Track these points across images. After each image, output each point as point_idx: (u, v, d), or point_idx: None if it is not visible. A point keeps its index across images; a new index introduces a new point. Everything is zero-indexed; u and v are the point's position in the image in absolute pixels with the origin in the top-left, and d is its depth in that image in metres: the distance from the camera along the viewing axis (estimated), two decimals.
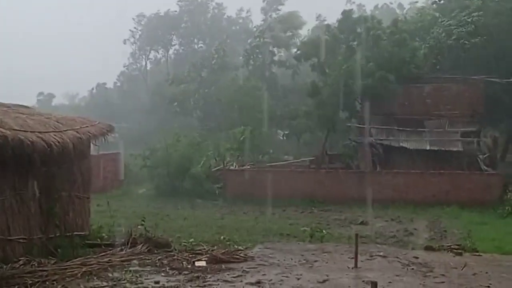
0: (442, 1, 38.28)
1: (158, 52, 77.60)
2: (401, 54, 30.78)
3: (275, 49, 48.59)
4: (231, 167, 31.13)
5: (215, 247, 15.62)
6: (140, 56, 77.56)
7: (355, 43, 33.23)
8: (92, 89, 77.16)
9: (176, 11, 74.39)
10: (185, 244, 15.99)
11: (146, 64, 77.90)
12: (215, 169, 30.88)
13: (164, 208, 25.51)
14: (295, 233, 18.86)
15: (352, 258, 13.98)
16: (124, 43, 75.59)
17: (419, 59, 32.05)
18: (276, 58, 48.28)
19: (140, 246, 14.90)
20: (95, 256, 13.89)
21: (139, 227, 15.96)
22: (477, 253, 15.72)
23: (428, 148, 29.12)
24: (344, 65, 30.69)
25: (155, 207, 25.77)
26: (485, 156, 29.22)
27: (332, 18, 45.66)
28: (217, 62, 48.07)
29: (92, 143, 16.35)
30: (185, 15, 73.99)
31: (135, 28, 75.42)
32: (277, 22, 52.09)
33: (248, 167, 30.93)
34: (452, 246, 16.18)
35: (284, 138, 43.66)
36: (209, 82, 47.43)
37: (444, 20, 33.62)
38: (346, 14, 35.13)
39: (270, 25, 51.70)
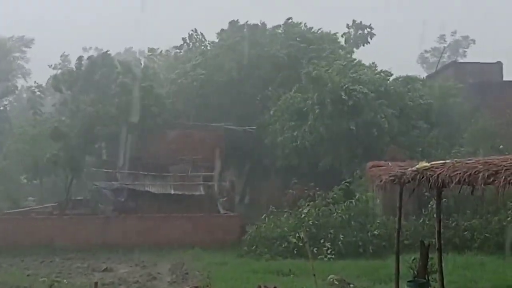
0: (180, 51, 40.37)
1: None
2: (147, 103, 31.36)
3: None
4: None
5: None
6: None
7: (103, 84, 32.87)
8: None
9: None
10: None
11: None
12: None
13: None
14: (33, 285, 17.82)
15: None
16: None
17: (167, 108, 33.01)
18: None
19: None
20: None
21: None
22: None
23: (172, 192, 29.98)
24: (89, 109, 30.28)
25: None
26: (224, 199, 31.05)
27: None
28: None
29: None
30: None
31: None
32: None
33: None
34: None
35: (29, 182, 41.06)
36: None
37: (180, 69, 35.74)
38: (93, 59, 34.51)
39: None
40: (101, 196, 32.20)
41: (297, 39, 35.88)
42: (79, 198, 33.40)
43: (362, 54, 39.52)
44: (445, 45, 60.81)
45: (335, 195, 25.32)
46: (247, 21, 37.61)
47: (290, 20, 37.50)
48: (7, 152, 34.42)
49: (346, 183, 25.88)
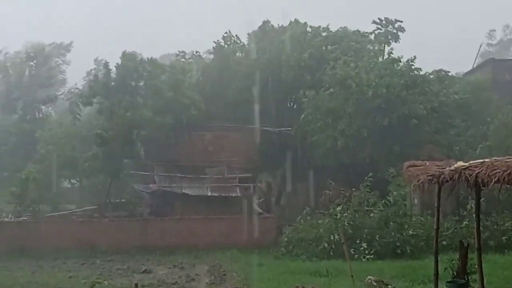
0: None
1: None
2: (181, 102, 31.60)
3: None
4: (6, 219, 29.09)
5: None
6: None
7: (138, 88, 32.90)
8: None
9: None
10: None
11: None
12: None
13: None
14: (74, 287, 18.20)
15: None
16: None
17: (202, 110, 33.20)
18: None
19: None
20: None
21: None
22: None
23: (209, 194, 30.22)
24: (127, 112, 30.62)
25: None
26: (260, 200, 31.14)
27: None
28: None
29: None
30: None
31: None
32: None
33: (26, 218, 29.19)
34: None
35: (71, 185, 41.75)
36: None
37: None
38: (126, 58, 33.36)
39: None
40: (139, 198, 32.66)
41: (321, 39, 35.70)
42: (118, 200, 33.84)
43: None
44: (485, 40, 60.13)
45: (364, 194, 25.16)
46: (270, 23, 37.90)
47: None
48: (46, 155, 34.80)
49: (370, 178, 25.50)
